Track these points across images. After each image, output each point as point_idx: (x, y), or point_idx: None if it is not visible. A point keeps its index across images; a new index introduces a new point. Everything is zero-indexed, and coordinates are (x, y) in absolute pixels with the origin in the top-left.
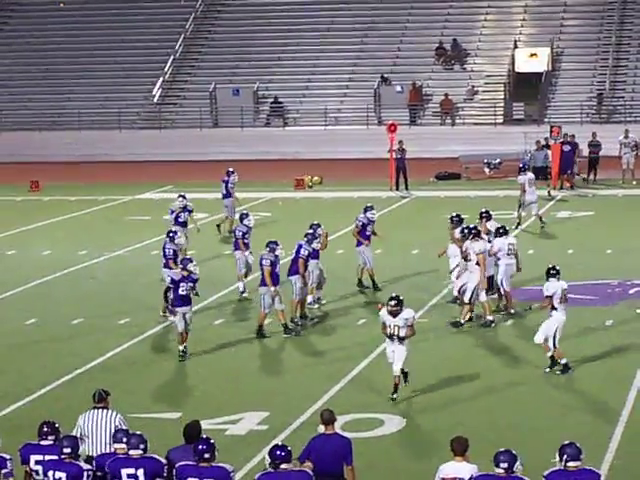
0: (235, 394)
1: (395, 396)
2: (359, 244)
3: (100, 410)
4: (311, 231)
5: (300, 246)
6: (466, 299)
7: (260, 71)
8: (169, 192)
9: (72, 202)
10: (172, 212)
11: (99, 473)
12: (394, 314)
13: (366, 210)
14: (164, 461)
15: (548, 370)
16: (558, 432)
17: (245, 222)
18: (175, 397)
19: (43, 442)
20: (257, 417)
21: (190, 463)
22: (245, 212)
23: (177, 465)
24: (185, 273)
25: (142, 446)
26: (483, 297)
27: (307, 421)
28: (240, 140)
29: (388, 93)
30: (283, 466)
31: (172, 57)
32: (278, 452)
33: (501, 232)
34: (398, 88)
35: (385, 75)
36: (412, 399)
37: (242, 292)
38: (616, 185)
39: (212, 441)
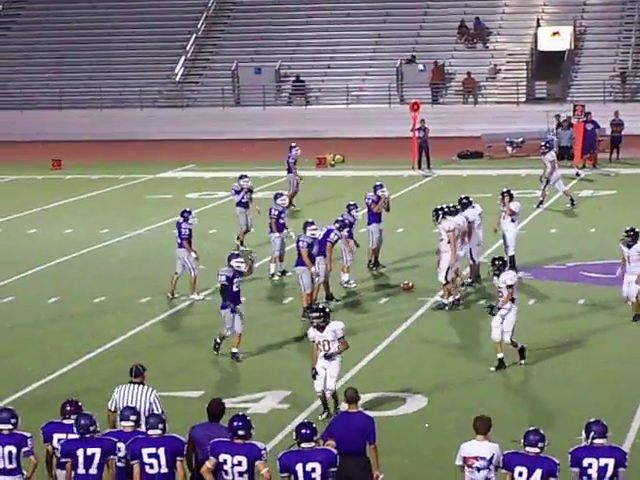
0: (257, 373)
1: (324, 416)
2: (370, 222)
3: (136, 385)
4: (341, 218)
5: (330, 231)
6: (441, 279)
7: (282, 50)
8: (190, 171)
9: (93, 180)
10: (236, 192)
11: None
12: (320, 328)
13: (376, 188)
14: (184, 439)
15: (522, 362)
16: (578, 412)
17: (279, 201)
18: (197, 376)
19: (66, 421)
20: (279, 396)
21: (224, 440)
22: (279, 192)
23: (211, 442)
24: (232, 269)
25: (161, 426)
26: (442, 278)
27: (329, 399)
28: (262, 119)
29: (410, 72)
30: (305, 445)
31: (194, 35)
32: (304, 430)
33: (465, 203)
34: (420, 67)
35: (408, 54)
36: (434, 378)
37: (272, 274)
38: (639, 164)
39: (248, 418)
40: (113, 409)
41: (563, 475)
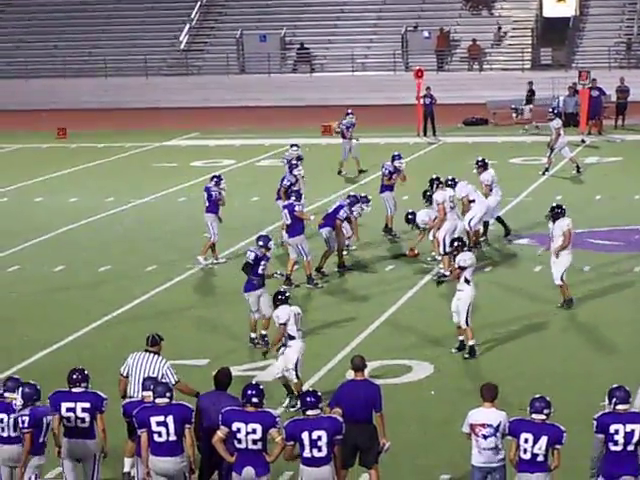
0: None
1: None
2: (383, 191)
3: (151, 354)
4: (353, 194)
5: (341, 207)
6: (441, 251)
7: (287, 17)
8: (195, 139)
9: (99, 149)
10: (287, 161)
11: (127, 420)
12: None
13: (394, 158)
14: (192, 407)
15: (454, 351)
16: (589, 378)
17: (295, 172)
18: (203, 344)
19: (74, 389)
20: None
21: (236, 408)
22: (295, 162)
23: (223, 410)
24: (264, 251)
25: (168, 394)
26: (441, 250)
27: (334, 367)
28: (267, 86)
29: (415, 39)
30: (311, 412)
31: (199, 3)
32: (308, 398)
33: (451, 184)
34: (425, 34)
35: (413, 21)
36: (440, 345)
37: (282, 243)
38: None
39: (261, 387)
40: (125, 374)
41: (572, 441)
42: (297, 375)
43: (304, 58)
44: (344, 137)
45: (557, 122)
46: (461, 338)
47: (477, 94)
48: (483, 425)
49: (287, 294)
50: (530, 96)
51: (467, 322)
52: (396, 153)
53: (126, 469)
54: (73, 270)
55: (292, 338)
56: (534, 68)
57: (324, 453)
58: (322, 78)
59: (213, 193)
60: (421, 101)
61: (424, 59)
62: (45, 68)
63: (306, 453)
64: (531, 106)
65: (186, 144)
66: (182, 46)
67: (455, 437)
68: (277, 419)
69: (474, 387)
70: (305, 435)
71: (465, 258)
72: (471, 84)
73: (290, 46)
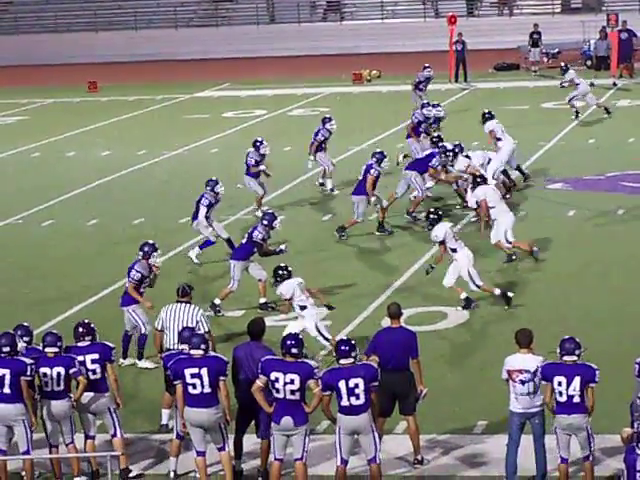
0: None
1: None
2: (409, 137)
3: (183, 304)
4: (379, 150)
5: (370, 166)
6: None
7: None
8: (226, 90)
9: (130, 102)
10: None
11: (166, 372)
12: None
13: (423, 106)
14: (226, 359)
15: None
16: (621, 321)
17: (327, 126)
18: (237, 295)
19: (80, 343)
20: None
21: (275, 357)
22: (328, 116)
23: (262, 359)
24: (269, 229)
25: (203, 346)
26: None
27: (370, 316)
28: (297, 35)
29: None
30: (344, 361)
31: None
32: (343, 346)
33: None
34: None
35: None
36: (476, 291)
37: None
38: None
39: (300, 337)
40: (160, 328)
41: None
42: (325, 337)
43: (334, 6)
44: (420, 90)
45: (569, 74)
46: (463, 296)
47: (508, 39)
48: (520, 371)
49: (289, 268)
50: (537, 40)
51: (477, 286)
52: (426, 101)
53: (164, 421)
54: (106, 224)
55: (304, 308)
56: (564, 12)
57: (362, 401)
58: (352, 26)
59: (249, 158)
60: (453, 47)
61: (454, 5)
62: (75, 22)
63: (344, 402)
64: (540, 48)
65: (217, 95)
66: None
67: (492, 383)
68: (315, 370)
69: (510, 333)
70: (342, 384)
71: (436, 235)
72: (502, 29)
73: None
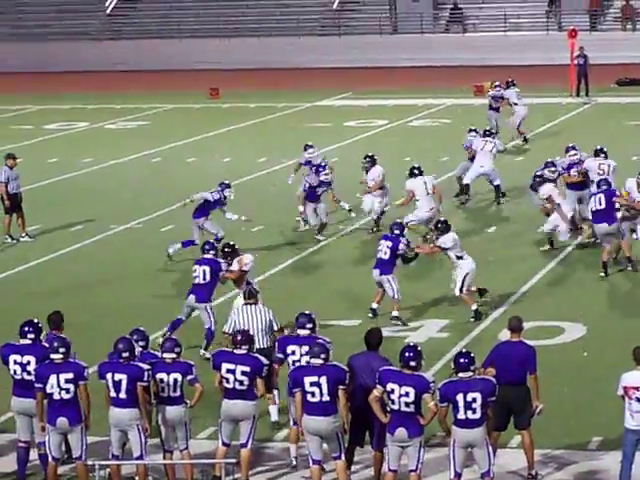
0: (413, 299)
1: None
2: None
3: (251, 306)
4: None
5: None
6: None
7: None
8: (348, 99)
9: (251, 109)
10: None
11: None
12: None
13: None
14: (346, 368)
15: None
16: None
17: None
18: (354, 305)
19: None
20: (437, 325)
21: (393, 368)
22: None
23: (380, 369)
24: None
25: (323, 355)
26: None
27: (487, 328)
28: (419, 46)
29: None
30: (463, 374)
31: None
32: (462, 359)
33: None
34: None
35: None
36: (593, 305)
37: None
38: None
39: (419, 349)
40: (230, 331)
41: None
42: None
43: (457, 18)
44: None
45: None
46: (474, 307)
47: (631, 54)
48: (637, 388)
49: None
50: None
51: (461, 290)
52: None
53: (274, 418)
54: (228, 228)
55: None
56: None
57: (478, 415)
58: (475, 38)
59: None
60: (575, 61)
61: (577, 19)
62: (199, 28)
63: (460, 415)
64: None
65: (339, 104)
66: (335, 6)
67: (608, 399)
68: (431, 384)
69: (628, 349)
70: (460, 397)
71: (446, 240)
72: (624, 44)
73: (443, 6)
